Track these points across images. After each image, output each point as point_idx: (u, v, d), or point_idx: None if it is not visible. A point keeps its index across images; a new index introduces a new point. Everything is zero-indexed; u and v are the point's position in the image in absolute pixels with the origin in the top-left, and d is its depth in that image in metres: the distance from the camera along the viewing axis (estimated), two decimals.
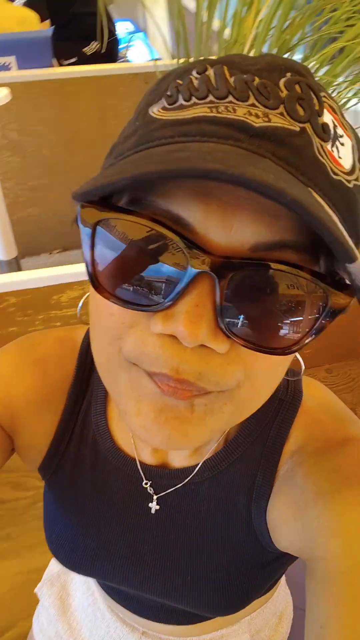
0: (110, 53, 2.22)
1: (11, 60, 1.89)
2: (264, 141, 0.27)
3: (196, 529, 0.48)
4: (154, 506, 0.48)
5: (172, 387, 0.30)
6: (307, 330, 0.30)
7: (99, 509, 0.50)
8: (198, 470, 0.46)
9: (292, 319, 0.29)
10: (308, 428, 0.45)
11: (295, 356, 0.41)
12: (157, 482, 0.48)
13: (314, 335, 0.30)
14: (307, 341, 0.30)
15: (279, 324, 0.29)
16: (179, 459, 0.47)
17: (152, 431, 0.31)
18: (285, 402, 0.46)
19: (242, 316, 0.29)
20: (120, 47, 2.26)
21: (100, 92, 1.61)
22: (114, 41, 2.27)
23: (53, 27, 2.08)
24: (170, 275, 0.28)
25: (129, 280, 0.29)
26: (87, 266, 0.29)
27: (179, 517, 0.48)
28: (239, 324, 0.29)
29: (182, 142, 0.27)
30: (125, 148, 0.31)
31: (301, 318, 0.29)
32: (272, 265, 0.27)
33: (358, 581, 0.35)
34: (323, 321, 0.29)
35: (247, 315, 0.29)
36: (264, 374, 0.32)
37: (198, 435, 0.32)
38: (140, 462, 0.48)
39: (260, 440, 0.45)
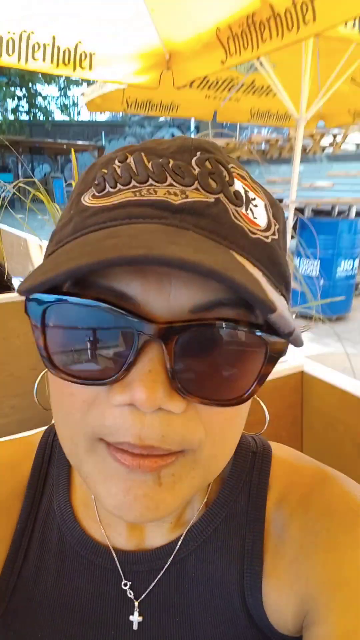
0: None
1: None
2: (185, 215, 0.31)
3: (189, 633, 0.43)
4: (135, 619, 0.43)
5: (137, 459, 0.31)
6: (254, 377, 0.32)
7: (71, 631, 0.43)
8: (182, 542, 0.43)
9: (239, 369, 0.32)
10: (287, 476, 0.46)
11: (263, 410, 0.43)
12: (137, 569, 0.43)
13: (260, 382, 0.32)
14: (255, 388, 0.32)
15: (228, 376, 0.32)
16: (160, 537, 0.44)
17: (124, 509, 0.32)
18: (257, 454, 0.47)
19: (193, 374, 0.31)
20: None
21: (3, 316, 1.67)
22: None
23: None
24: (120, 347, 0.30)
25: (83, 358, 0.31)
26: (40, 352, 0.31)
27: (167, 627, 0.43)
28: (192, 383, 0.31)
29: (112, 226, 0.31)
30: (63, 235, 0.34)
31: (246, 367, 0.32)
32: (210, 322, 0.30)
33: None
34: (266, 366, 0.32)
35: (198, 372, 0.31)
36: (222, 428, 0.34)
37: (170, 505, 0.33)
38: (115, 548, 0.43)
39: (243, 497, 0.45)
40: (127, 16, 1.93)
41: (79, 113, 24.26)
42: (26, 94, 21.15)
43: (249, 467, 0.46)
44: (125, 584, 0.43)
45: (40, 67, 2.04)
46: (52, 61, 2.03)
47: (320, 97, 4.51)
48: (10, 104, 21.24)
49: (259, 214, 0.34)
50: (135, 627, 0.43)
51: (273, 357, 0.32)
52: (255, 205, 0.34)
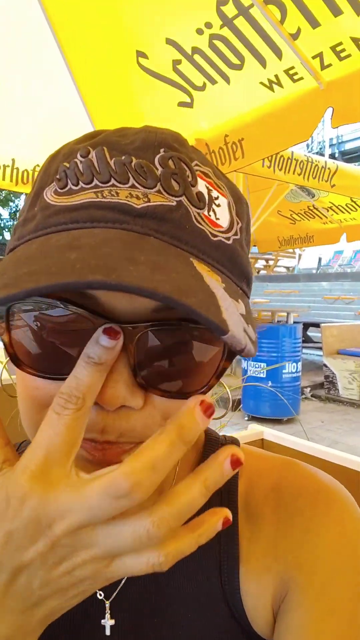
0: None
1: None
2: (146, 220, 0.31)
3: (167, 635, 0.41)
4: (107, 623, 0.41)
5: (100, 451, 0.32)
6: (212, 372, 0.34)
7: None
8: None
9: (198, 365, 0.33)
10: (255, 465, 0.48)
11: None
12: None
13: (219, 376, 0.34)
14: (212, 381, 0.34)
15: (188, 371, 0.33)
16: None
17: None
18: (226, 444, 0.48)
19: (154, 370, 0.32)
20: None
21: None
22: None
23: None
24: (83, 345, 0.30)
25: (48, 356, 0.32)
26: (6, 348, 0.32)
27: (144, 629, 0.41)
28: (153, 377, 0.32)
29: (74, 228, 0.31)
30: (25, 232, 0.34)
31: (205, 363, 0.33)
32: (171, 323, 0.31)
33: (333, 627, 0.37)
34: (225, 362, 0.34)
35: (159, 368, 0.32)
36: None
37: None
38: None
39: None
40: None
41: None
42: None
43: None
44: (99, 594, 0.41)
45: (0, 185, 2.22)
46: (12, 180, 2.22)
47: (251, 225, 5.16)
48: None
49: (222, 214, 0.35)
50: (107, 632, 0.40)
51: (231, 353, 0.34)
52: (218, 205, 0.34)
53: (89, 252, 0.28)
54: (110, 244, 0.29)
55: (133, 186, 0.32)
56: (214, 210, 0.34)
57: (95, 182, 0.32)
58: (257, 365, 4.83)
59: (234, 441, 0.51)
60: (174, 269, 0.29)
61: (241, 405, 4.92)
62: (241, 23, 1.35)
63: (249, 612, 0.41)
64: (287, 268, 14.42)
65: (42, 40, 1.74)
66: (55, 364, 0.31)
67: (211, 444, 0.49)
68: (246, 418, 4.89)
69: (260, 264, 13.05)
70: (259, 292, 11.18)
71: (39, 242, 0.32)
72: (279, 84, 1.50)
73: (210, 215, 0.34)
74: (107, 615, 0.41)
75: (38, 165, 2.25)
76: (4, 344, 0.32)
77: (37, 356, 0.32)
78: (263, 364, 4.78)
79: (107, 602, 0.41)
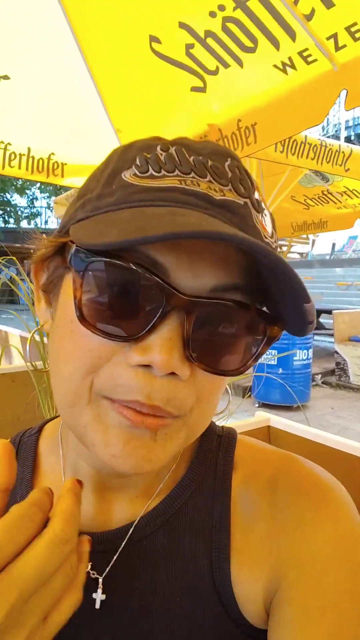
0: None
1: None
2: (222, 210, 0.35)
3: (158, 624, 0.41)
4: (98, 597, 0.42)
5: (142, 416, 0.34)
6: (251, 354, 0.37)
7: None
8: (149, 519, 0.44)
9: (241, 346, 0.37)
10: (252, 457, 0.49)
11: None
12: (101, 549, 0.43)
13: (256, 359, 0.37)
14: (250, 363, 0.37)
15: (231, 350, 0.37)
16: (124, 513, 0.44)
17: (121, 459, 0.35)
18: (223, 437, 0.51)
19: (204, 345, 0.35)
20: None
21: None
22: None
23: None
24: (147, 311, 0.34)
25: (111, 315, 0.34)
26: (74, 303, 0.34)
27: (132, 609, 0.42)
28: (201, 352, 0.35)
29: (163, 205, 0.34)
30: (103, 204, 0.37)
31: (247, 345, 0.37)
32: (227, 302, 0.35)
33: (325, 623, 0.37)
34: (262, 347, 0.37)
35: (208, 344, 0.35)
36: (210, 395, 0.38)
37: (161, 459, 0.36)
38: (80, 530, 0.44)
39: (209, 475, 0.47)
40: (95, 132, 2.21)
41: (46, 222, 25.88)
42: None
43: (215, 448, 0.49)
44: (91, 572, 0.43)
45: (16, 173, 2.24)
46: (27, 168, 2.24)
47: None
48: None
49: (268, 223, 0.40)
50: (97, 605, 0.42)
51: (270, 339, 0.37)
52: (266, 215, 0.40)
53: (197, 219, 0.32)
54: (206, 218, 0.33)
55: (210, 181, 0.36)
56: (264, 218, 0.39)
57: (177, 172, 0.36)
58: (267, 352, 4.83)
59: (231, 432, 0.51)
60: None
61: (251, 392, 4.95)
62: (254, 5, 1.34)
63: (240, 601, 0.41)
64: (301, 254, 14.28)
65: (56, 28, 1.75)
66: (116, 325, 0.34)
67: (208, 433, 0.50)
68: (257, 405, 4.92)
69: None
70: None
71: (130, 211, 0.34)
72: (293, 67, 1.49)
73: (262, 220, 0.38)
74: (99, 591, 0.42)
75: (53, 154, 2.27)
76: (74, 301, 0.34)
77: (101, 315, 0.34)
78: (274, 351, 4.79)
79: (100, 577, 0.42)
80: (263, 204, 0.39)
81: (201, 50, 1.59)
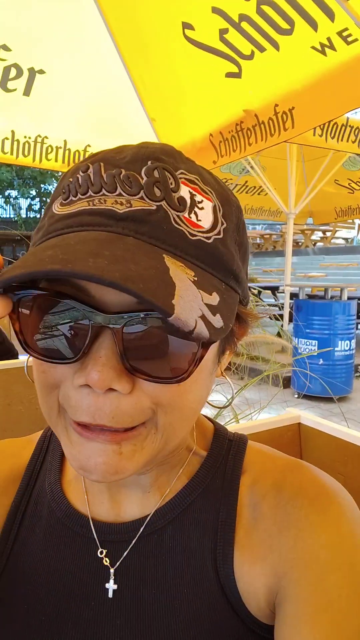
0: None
1: None
2: (127, 223, 0.35)
3: (164, 611, 0.44)
4: (110, 587, 0.45)
5: (95, 433, 0.36)
6: (190, 360, 0.37)
7: (54, 601, 0.46)
8: (159, 514, 0.46)
9: (177, 352, 0.36)
10: (260, 462, 0.50)
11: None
12: (114, 539, 0.46)
13: (196, 364, 0.37)
14: (192, 369, 0.36)
15: (169, 358, 0.36)
16: (137, 509, 0.47)
17: (88, 471, 0.37)
18: (234, 442, 0.52)
19: (139, 356, 0.35)
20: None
21: (7, 381, 1.77)
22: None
23: None
24: (78, 333, 0.35)
25: (50, 342, 0.36)
26: (16, 335, 0.37)
27: (143, 597, 0.44)
28: (139, 363, 0.35)
29: (66, 232, 0.36)
30: (37, 238, 0.40)
31: (183, 350, 0.36)
32: (150, 313, 0.34)
33: (328, 621, 0.38)
34: (200, 350, 0.36)
35: (143, 354, 0.36)
36: (172, 401, 0.38)
37: (128, 469, 0.37)
38: (95, 519, 0.47)
39: (218, 477, 0.48)
40: (130, 122, 2.20)
41: None
42: (37, 193, 23.18)
43: (225, 451, 0.50)
44: (102, 552, 0.46)
45: (52, 166, 2.29)
46: (63, 161, 2.28)
47: (306, 195, 4.95)
48: (24, 202, 23.16)
49: (204, 216, 0.38)
50: (110, 594, 0.45)
51: (206, 342, 0.36)
52: (202, 208, 0.38)
53: (62, 249, 0.33)
54: (85, 243, 0.33)
55: (119, 194, 0.36)
56: (195, 213, 0.38)
57: (90, 192, 0.37)
58: (308, 343, 4.72)
59: (242, 437, 0.52)
60: (136, 261, 0.33)
61: (290, 383, 4.86)
62: None
63: (243, 595, 0.43)
64: (346, 240, 13.75)
65: (90, 21, 1.75)
66: (56, 349, 0.36)
67: (219, 438, 0.52)
68: (296, 396, 4.84)
69: (317, 235, 12.53)
70: (314, 266, 10.78)
71: (42, 245, 0.37)
72: (332, 47, 1.41)
73: (191, 217, 0.37)
74: (112, 581, 0.45)
75: (89, 146, 2.29)
76: (15, 332, 0.37)
77: (40, 342, 0.36)
78: (315, 342, 4.67)
79: (112, 568, 0.45)
80: (200, 196, 0.38)
81: (235, 34, 1.54)
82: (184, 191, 0.38)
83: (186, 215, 0.37)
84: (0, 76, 1.87)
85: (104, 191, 0.37)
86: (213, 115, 2.14)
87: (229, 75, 1.76)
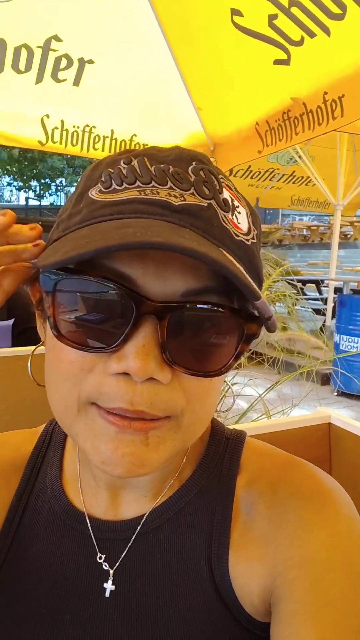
0: None
1: None
2: (183, 215, 0.35)
3: (157, 606, 0.44)
4: (108, 587, 0.45)
5: (128, 421, 0.35)
6: (232, 353, 0.37)
7: (53, 594, 0.46)
8: (155, 514, 0.46)
9: (219, 346, 0.37)
10: (257, 461, 0.49)
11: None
12: (110, 537, 0.46)
13: (237, 358, 0.37)
14: (231, 363, 0.37)
15: (210, 351, 0.37)
16: (135, 508, 0.47)
17: (112, 465, 0.36)
18: (231, 440, 0.51)
19: (181, 348, 0.35)
20: None
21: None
22: None
23: (13, 319, 2.31)
24: (119, 321, 0.35)
25: (87, 329, 0.36)
26: (49, 320, 0.36)
27: (139, 596, 0.44)
28: (179, 355, 0.35)
29: (120, 218, 0.35)
30: (71, 224, 0.38)
31: (225, 344, 0.37)
32: (199, 305, 0.35)
33: (325, 620, 0.37)
34: (241, 345, 0.37)
35: (185, 347, 0.36)
36: (201, 398, 0.38)
37: (154, 462, 0.37)
38: (93, 517, 0.47)
39: (214, 476, 0.48)
40: (176, 111, 2.21)
41: None
42: None
43: (222, 450, 0.50)
44: (100, 557, 0.46)
45: (99, 156, 2.33)
46: (110, 150, 2.32)
47: (356, 186, 4.76)
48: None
49: (242, 220, 0.40)
50: (107, 594, 0.45)
51: (248, 337, 0.37)
52: (239, 212, 0.40)
53: (142, 229, 0.33)
54: (153, 226, 0.34)
55: (171, 188, 0.37)
56: (236, 216, 0.39)
57: (138, 183, 0.37)
58: (350, 340, 4.58)
59: (240, 434, 0.52)
60: (207, 247, 0.34)
61: (330, 380, 4.74)
62: None
63: (239, 595, 0.43)
64: None
65: (138, 9, 1.75)
66: (91, 338, 0.36)
67: (216, 436, 0.51)
68: (335, 393, 4.72)
69: None
70: None
71: (88, 228, 0.36)
72: None
73: (233, 219, 0.38)
74: (110, 581, 0.45)
75: (135, 135, 2.32)
76: (48, 318, 0.36)
77: (76, 330, 0.36)
78: (357, 339, 4.52)
79: (111, 570, 0.45)
80: (237, 202, 0.39)
81: (285, 20, 1.50)
82: (226, 194, 0.39)
83: (230, 216, 0.38)
84: (52, 67, 1.93)
85: (154, 183, 0.37)
86: (260, 103, 2.10)
87: (277, 62, 1.72)
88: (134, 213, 0.35)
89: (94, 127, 2.21)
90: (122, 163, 0.38)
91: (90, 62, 1.93)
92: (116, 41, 1.91)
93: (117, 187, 0.37)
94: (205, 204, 0.37)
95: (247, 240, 0.39)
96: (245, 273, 0.35)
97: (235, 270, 0.32)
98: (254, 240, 0.40)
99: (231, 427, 0.55)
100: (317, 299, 6.78)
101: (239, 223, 0.39)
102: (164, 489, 0.47)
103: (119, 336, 0.34)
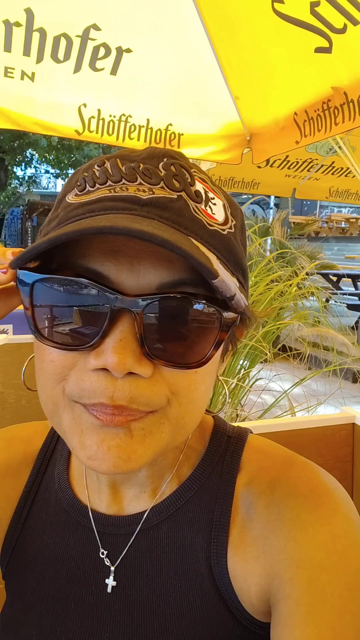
0: None
1: (9, 327, 2.41)
2: (151, 208, 0.36)
3: (157, 601, 0.45)
4: (110, 582, 0.46)
5: (110, 416, 0.35)
6: (211, 343, 0.37)
7: (58, 583, 0.48)
8: (155, 511, 0.47)
9: (197, 336, 0.37)
10: (258, 461, 0.48)
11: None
12: (112, 532, 0.47)
13: (216, 347, 0.37)
14: (212, 353, 0.37)
15: (189, 342, 0.37)
16: (136, 505, 0.48)
17: (98, 460, 0.36)
18: (232, 438, 0.51)
19: (159, 341, 0.35)
20: None
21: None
22: None
23: None
24: (96, 317, 0.35)
25: (64, 327, 0.36)
26: (28, 320, 0.36)
27: (139, 592, 0.45)
28: (158, 349, 0.35)
29: (90, 216, 0.36)
30: (49, 228, 0.40)
31: (204, 334, 0.37)
32: (172, 295, 0.35)
33: (321, 620, 0.37)
34: (220, 334, 0.37)
35: (163, 339, 0.36)
36: (187, 391, 0.38)
37: (141, 456, 0.37)
38: (96, 511, 0.48)
39: (215, 475, 0.48)
40: (212, 101, 2.18)
41: None
42: None
43: (223, 449, 0.50)
44: (103, 553, 0.47)
45: (135, 145, 2.34)
46: (145, 140, 2.32)
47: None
48: None
49: (217, 211, 0.40)
50: (109, 590, 0.46)
51: (226, 326, 0.37)
52: (214, 204, 0.40)
53: (103, 220, 0.34)
54: (118, 219, 0.34)
55: (140, 184, 0.38)
56: (210, 207, 0.39)
57: (109, 182, 0.38)
58: None
59: (242, 432, 0.51)
60: (170, 233, 0.34)
61: None
62: None
63: (238, 593, 0.43)
64: None
65: None
66: (70, 336, 0.36)
67: (218, 435, 0.51)
68: None
69: None
70: None
71: (61, 229, 0.37)
72: None
73: (207, 210, 0.39)
74: (111, 577, 0.46)
75: (171, 125, 2.31)
76: (27, 318, 0.37)
77: (55, 329, 0.37)
78: None
79: (112, 566, 0.47)
80: (211, 194, 0.40)
81: (327, 7, 1.45)
82: (199, 186, 0.39)
83: (203, 207, 0.39)
84: (90, 56, 1.94)
85: (124, 180, 0.38)
86: (299, 92, 2.05)
87: (319, 50, 1.67)
88: (103, 210, 0.36)
89: (130, 116, 2.21)
90: (95, 167, 0.40)
91: (128, 50, 1.93)
92: (154, 29, 1.89)
93: (90, 189, 0.39)
94: (175, 196, 0.37)
95: (223, 229, 0.39)
96: (209, 257, 0.35)
97: (188, 249, 0.32)
98: (232, 230, 0.41)
99: (235, 424, 0.55)
100: (355, 295, 6.59)
101: (213, 214, 0.39)
102: (162, 485, 0.48)
103: (96, 333, 0.35)
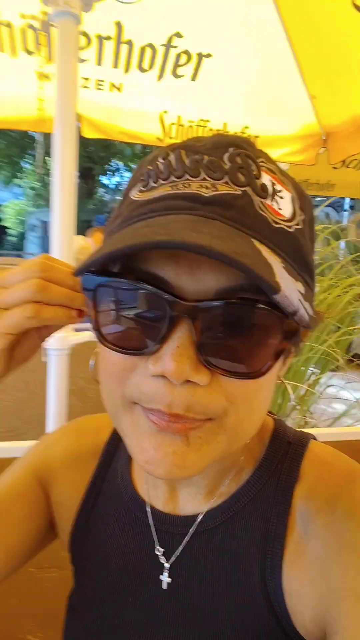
0: None
1: None
2: (213, 207, 0.35)
3: (210, 605, 0.44)
4: (165, 579, 0.46)
5: (166, 422, 0.35)
6: (271, 353, 0.35)
7: (119, 574, 0.49)
8: (211, 515, 0.46)
9: (257, 345, 0.35)
10: (318, 471, 0.46)
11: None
12: (167, 530, 0.48)
13: (276, 357, 0.36)
14: (271, 363, 0.35)
15: (248, 351, 0.35)
16: (191, 506, 0.47)
17: (154, 464, 0.36)
18: (292, 444, 0.48)
19: (217, 349, 0.34)
20: None
21: None
22: None
23: None
24: (156, 322, 0.34)
25: (124, 331, 0.36)
26: (92, 324, 0.37)
27: (194, 592, 0.45)
28: (216, 357, 0.34)
29: (151, 217, 0.35)
30: (114, 227, 0.40)
31: (264, 343, 0.35)
32: (232, 301, 0.34)
33: None
34: (281, 344, 0.36)
35: (222, 347, 0.35)
36: (245, 399, 0.37)
37: (196, 464, 0.36)
38: (154, 508, 0.49)
39: (272, 482, 0.46)
40: (289, 101, 2.19)
41: None
42: None
43: (282, 455, 0.48)
44: (159, 550, 0.48)
45: None
46: None
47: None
48: None
49: (285, 205, 0.38)
50: (164, 586, 0.47)
51: (288, 335, 0.36)
52: (282, 197, 0.38)
53: (159, 227, 0.33)
54: (178, 222, 0.34)
55: (204, 179, 0.37)
56: (276, 201, 0.37)
57: (172, 177, 0.37)
58: None
59: (303, 438, 0.49)
60: (233, 240, 0.33)
61: None
62: None
63: (291, 610, 0.41)
64: None
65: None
66: (130, 340, 0.36)
67: (277, 439, 0.49)
68: None
69: None
70: None
71: (126, 230, 0.38)
72: None
73: (272, 205, 0.37)
74: (166, 574, 0.47)
75: (247, 127, 2.35)
76: (91, 322, 0.38)
77: (116, 333, 0.37)
78: None
79: (167, 564, 0.47)
80: (279, 186, 0.38)
81: None
82: (266, 179, 0.37)
83: (269, 202, 0.37)
84: (173, 63, 2.05)
85: (187, 176, 0.37)
86: None
87: None
88: (164, 210, 0.36)
89: (207, 120, 2.29)
90: (159, 159, 0.39)
91: (208, 55, 2.01)
92: (234, 32, 1.94)
93: (154, 184, 0.38)
94: (239, 192, 0.36)
95: (290, 226, 0.38)
96: (272, 264, 0.33)
97: (246, 261, 0.30)
98: (299, 226, 0.39)
99: (297, 428, 0.53)
100: None
101: (279, 209, 0.37)
102: (219, 487, 0.47)
103: (155, 338, 0.35)
